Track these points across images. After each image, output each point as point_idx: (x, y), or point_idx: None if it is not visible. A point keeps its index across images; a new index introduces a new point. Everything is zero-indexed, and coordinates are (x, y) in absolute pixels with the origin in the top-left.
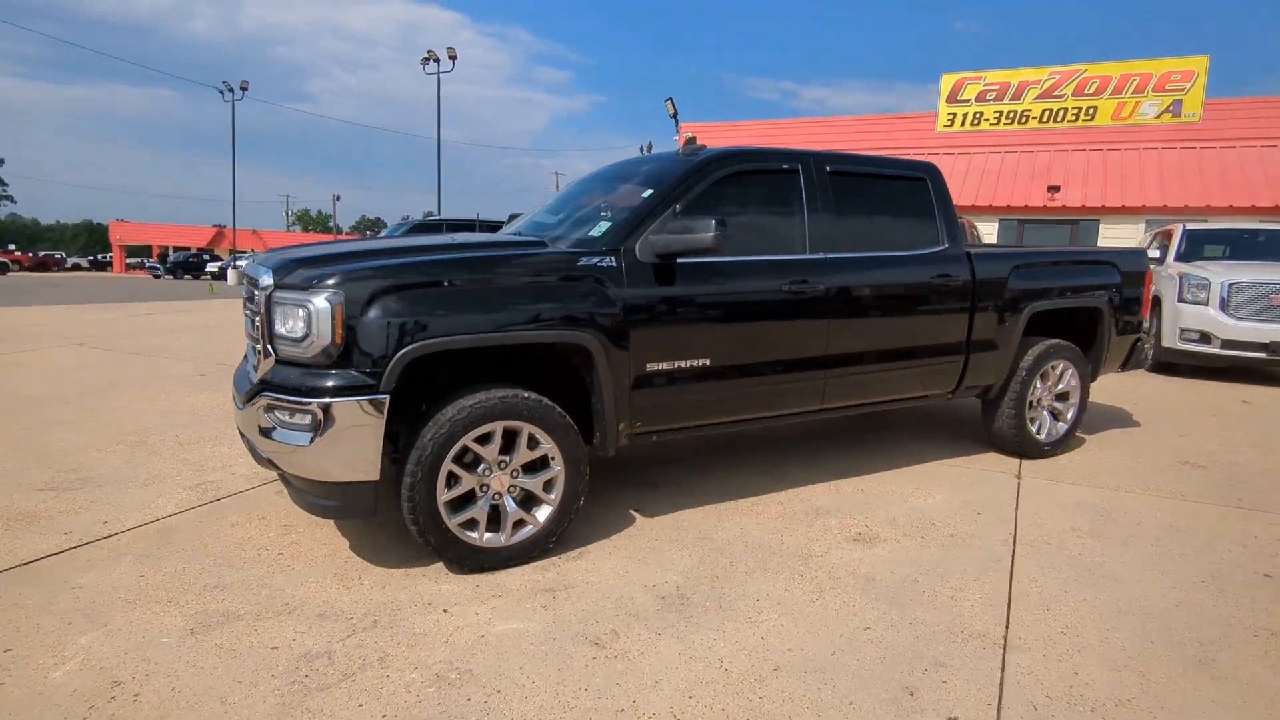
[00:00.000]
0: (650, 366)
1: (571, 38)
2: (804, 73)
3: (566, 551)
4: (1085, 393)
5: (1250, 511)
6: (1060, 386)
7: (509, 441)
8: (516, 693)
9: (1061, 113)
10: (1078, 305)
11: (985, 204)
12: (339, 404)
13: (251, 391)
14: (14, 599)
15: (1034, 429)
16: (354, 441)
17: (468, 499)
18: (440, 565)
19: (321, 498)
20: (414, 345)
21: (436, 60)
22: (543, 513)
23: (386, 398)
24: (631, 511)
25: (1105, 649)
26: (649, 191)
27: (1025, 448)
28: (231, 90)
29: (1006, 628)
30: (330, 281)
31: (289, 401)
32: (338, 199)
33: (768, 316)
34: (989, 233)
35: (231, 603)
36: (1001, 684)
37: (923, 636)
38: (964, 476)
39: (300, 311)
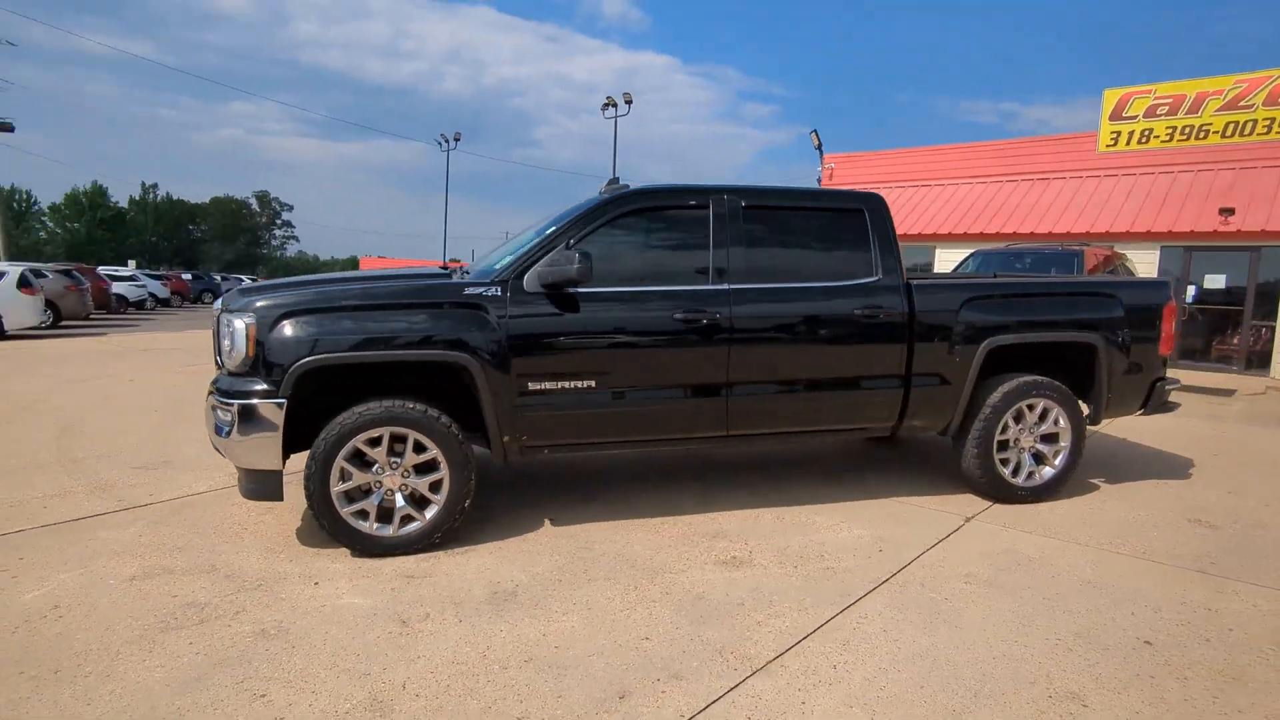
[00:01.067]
0: (533, 385)
1: (778, 73)
2: (1028, 93)
3: (457, 547)
4: (1079, 436)
5: (1210, 578)
6: (1044, 428)
7: (405, 446)
8: (305, 649)
9: (1249, 125)
10: (1060, 341)
11: (1143, 230)
12: (248, 405)
13: (208, 393)
14: (47, 543)
15: (1006, 471)
16: (259, 436)
17: (366, 493)
18: (346, 548)
19: (246, 483)
20: (305, 360)
21: (614, 105)
22: (430, 511)
23: (285, 402)
24: (545, 519)
25: (862, 688)
26: (551, 228)
27: (997, 491)
28: (447, 141)
29: (778, 656)
30: (249, 306)
31: (221, 402)
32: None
33: (658, 344)
34: (1148, 261)
35: (177, 560)
36: (715, 700)
37: (688, 652)
38: (910, 514)
39: (229, 330)
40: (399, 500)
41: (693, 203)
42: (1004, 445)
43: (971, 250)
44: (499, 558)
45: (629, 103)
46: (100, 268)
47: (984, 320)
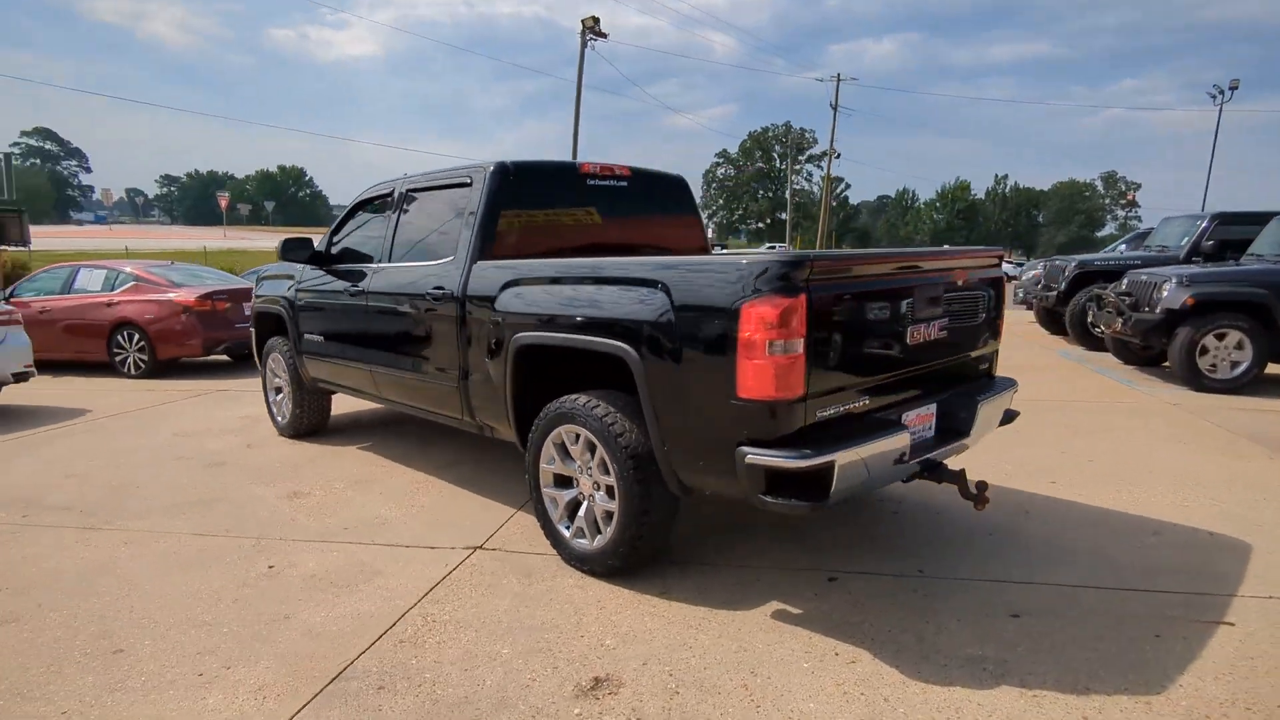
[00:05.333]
0: (306, 335)
1: None
2: None
3: (310, 440)
4: (629, 493)
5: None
6: (597, 472)
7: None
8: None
9: None
10: (579, 347)
11: None
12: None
13: None
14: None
15: (561, 522)
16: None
17: (277, 391)
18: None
19: None
20: (253, 303)
21: None
22: (286, 419)
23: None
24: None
25: None
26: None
27: (560, 549)
28: (1222, 93)
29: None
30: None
31: None
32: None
33: (338, 314)
34: None
35: (221, 455)
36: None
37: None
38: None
39: None
40: (275, 398)
41: (383, 193)
42: (569, 482)
43: None
44: (296, 455)
45: None
46: None
47: (519, 310)
